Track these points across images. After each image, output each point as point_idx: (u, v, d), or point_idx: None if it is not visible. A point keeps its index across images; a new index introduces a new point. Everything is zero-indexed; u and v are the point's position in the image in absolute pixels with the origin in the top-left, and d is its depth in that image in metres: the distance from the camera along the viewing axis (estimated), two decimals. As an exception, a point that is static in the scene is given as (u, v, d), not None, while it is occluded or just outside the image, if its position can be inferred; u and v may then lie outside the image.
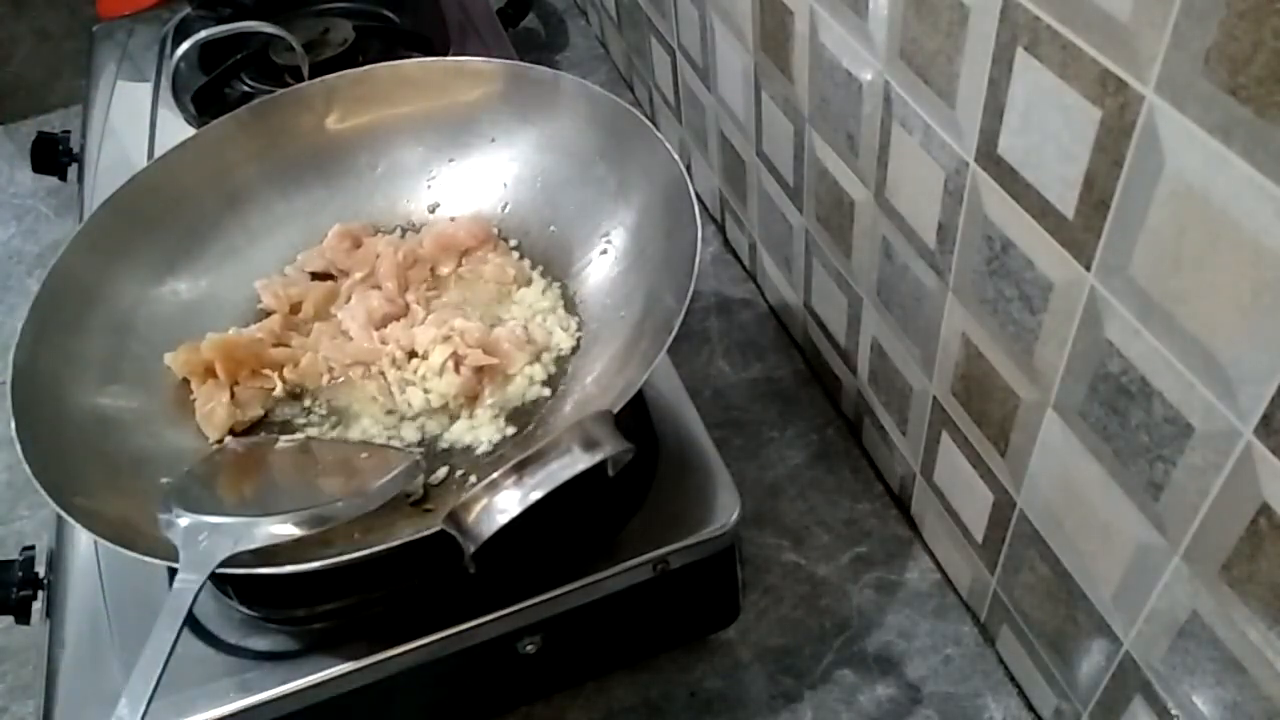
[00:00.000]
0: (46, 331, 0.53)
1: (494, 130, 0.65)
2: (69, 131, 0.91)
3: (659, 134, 0.57)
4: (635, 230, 0.58)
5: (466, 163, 0.65)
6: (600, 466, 0.42)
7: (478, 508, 0.41)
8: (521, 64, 0.65)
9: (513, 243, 0.63)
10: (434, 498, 0.51)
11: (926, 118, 0.48)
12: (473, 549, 0.41)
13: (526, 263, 0.62)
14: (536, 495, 0.41)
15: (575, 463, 0.41)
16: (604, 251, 0.60)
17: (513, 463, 0.41)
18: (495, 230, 0.63)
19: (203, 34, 0.69)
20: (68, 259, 0.56)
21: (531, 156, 0.64)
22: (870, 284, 0.61)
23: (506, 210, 0.64)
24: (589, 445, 0.42)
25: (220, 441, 0.54)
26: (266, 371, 0.57)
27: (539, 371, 0.56)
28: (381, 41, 0.85)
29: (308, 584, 0.51)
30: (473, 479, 0.52)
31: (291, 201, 0.64)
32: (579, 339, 0.58)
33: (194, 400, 0.56)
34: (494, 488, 0.41)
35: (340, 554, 0.43)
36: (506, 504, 0.41)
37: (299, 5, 0.89)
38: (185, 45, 0.67)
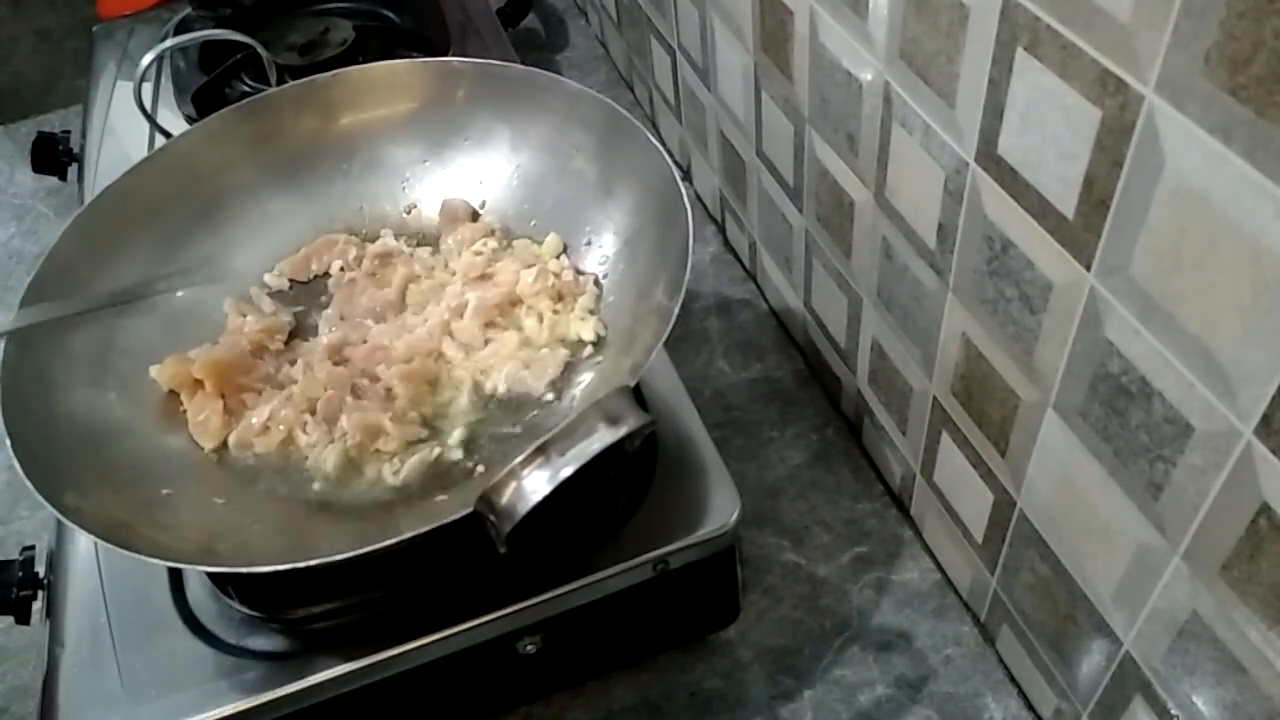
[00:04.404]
0: (37, 329, 0.53)
1: (469, 129, 0.64)
2: (69, 131, 0.91)
3: (638, 124, 0.57)
4: (624, 223, 0.58)
5: (441, 163, 0.65)
6: (620, 444, 0.42)
7: (510, 488, 0.42)
8: (493, 62, 0.65)
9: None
10: (446, 487, 0.51)
11: (926, 118, 0.48)
12: (508, 529, 0.41)
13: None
14: (567, 472, 0.41)
15: (601, 438, 0.42)
16: (588, 243, 0.60)
17: (539, 443, 0.42)
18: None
19: (168, 42, 0.68)
20: (49, 263, 0.56)
21: (507, 154, 0.64)
22: (870, 284, 0.61)
23: (484, 208, 0.64)
24: (612, 421, 0.42)
25: (219, 449, 0.54)
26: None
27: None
28: (381, 41, 0.85)
29: (308, 583, 0.51)
30: (481, 469, 0.52)
31: (266, 209, 0.64)
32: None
33: (184, 410, 0.56)
34: (524, 468, 0.42)
35: (356, 549, 0.43)
36: (537, 484, 0.41)
37: (299, 5, 0.89)
38: (149, 57, 0.65)
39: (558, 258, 0.60)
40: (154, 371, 0.56)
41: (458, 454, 0.53)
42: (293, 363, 0.58)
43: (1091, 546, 0.46)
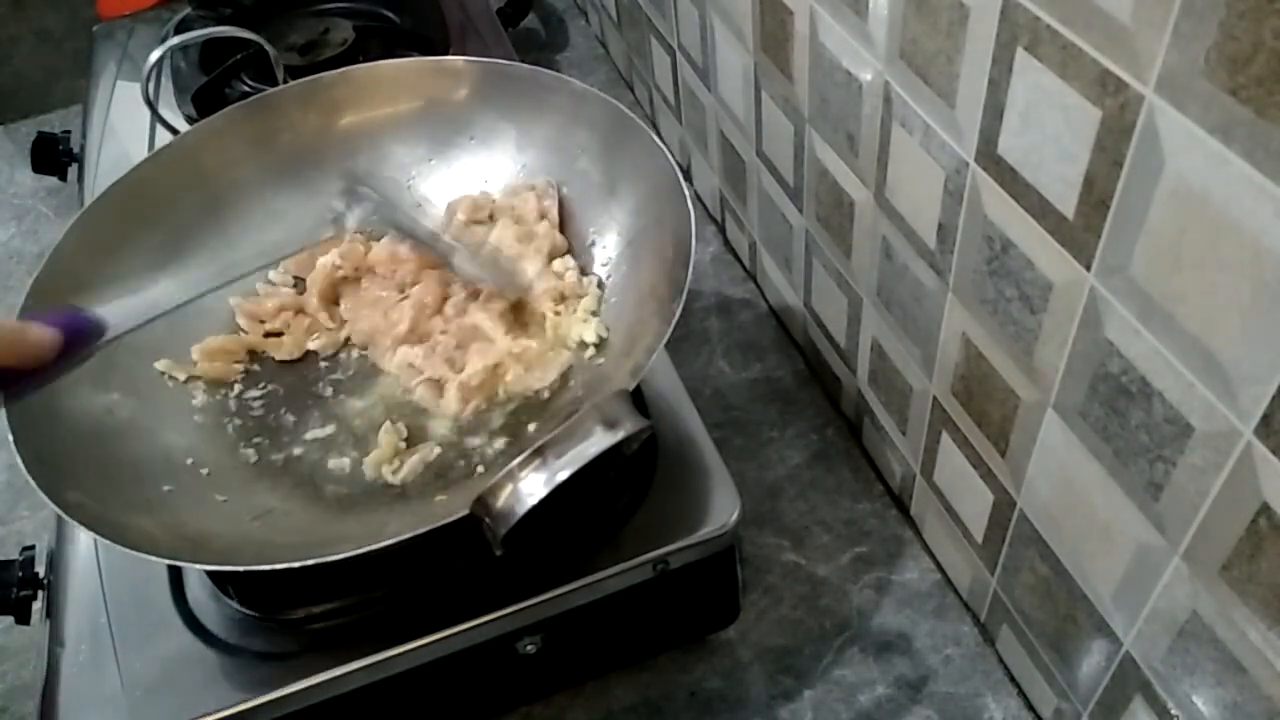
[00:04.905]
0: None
1: (474, 128, 0.64)
2: (69, 131, 0.91)
3: (641, 123, 0.57)
4: (627, 224, 0.59)
5: (446, 161, 0.65)
6: (617, 448, 0.42)
7: (506, 491, 0.42)
8: (499, 61, 0.65)
9: None
10: (447, 487, 0.51)
11: (926, 118, 0.48)
12: (503, 532, 0.41)
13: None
14: (563, 475, 0.41)
15: (598, 442, 0.42)
16: (591, 244, 0.60)
17: (536, 445, 0.42)
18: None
19: (177, 39, 0.68)
20: (53, 262, 0.56)
21: (512, 153, 0.64)
22: (870, 284, 0.61)
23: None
24: (609, 424, 0.42)
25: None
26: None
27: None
28: (381, 41, 0.85)
29: (308, 583, 0.51)
30: (481, 470, 0.52)
31: (271, 206, 0.64)
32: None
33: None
34: (520, 470, 0.42)
35: (355, 548, 0.43)
36: (533, 487, 0.41)
37: (299, 5, 0.89)
38: (157, 53, 0.65)
39: (561, 258, 0.60)
40: (160, 365, 0.56)
41: (458, 454, 0.53)
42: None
43: (1091, 546, 0.46)
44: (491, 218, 0.62)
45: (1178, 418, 0.37)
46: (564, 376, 0.55)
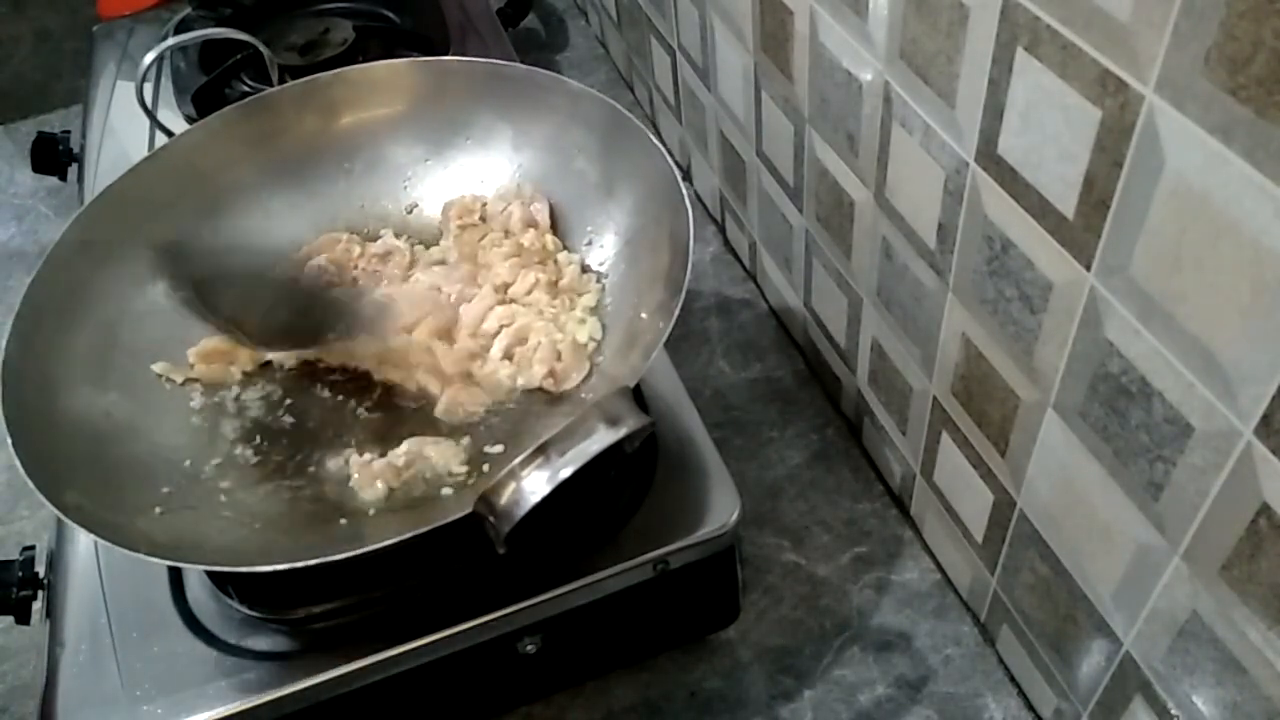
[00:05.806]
0: (37, 329, 0.53)
1: (471, 128, 0.64)
2: (69, 131, 0.91)
3: (640, 124, 0.57)
4: (625, 223, 0.59)
5: (443, 162, 0.65)
6: (619, 445, 0.42)
7: (509, 489, 0.42)
8: (495, 61, 0.65)
9: None
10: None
11: (926, 118, 0.48)
12: (507, 529, 0.42)
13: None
14: (566, 473, 0.41)
15: (600, 439, 0.42)
16: (589, 243, 0.60)
17: (539, 443, 0.42)
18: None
19: (171, 40, 0.68)
20: (51, 262, 0.56)
21: (509, 153, 0.64)
22: (870, 284, 0.61)
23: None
24: (611, 421, 0.42)
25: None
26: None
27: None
28: (381, 41, 0.85)
29: (308, 583, 0.51)
30: (486, 467, 0.52)
31: (268, 207, 0.64)
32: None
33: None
34: (524, 468, 0.42)
35: (356, 548, 0.43)
36: (536, 484, 0.42)
37: (299, 5, 0.89)
38: (151, 55, 0.65)
39: (563, 252, 0.60)
40: (157, 368, 0.56)
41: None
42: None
43: (1091, 546, 0.46)
44: (483, 219, 0.62)
45: (1178, 418, 0.37)
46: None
